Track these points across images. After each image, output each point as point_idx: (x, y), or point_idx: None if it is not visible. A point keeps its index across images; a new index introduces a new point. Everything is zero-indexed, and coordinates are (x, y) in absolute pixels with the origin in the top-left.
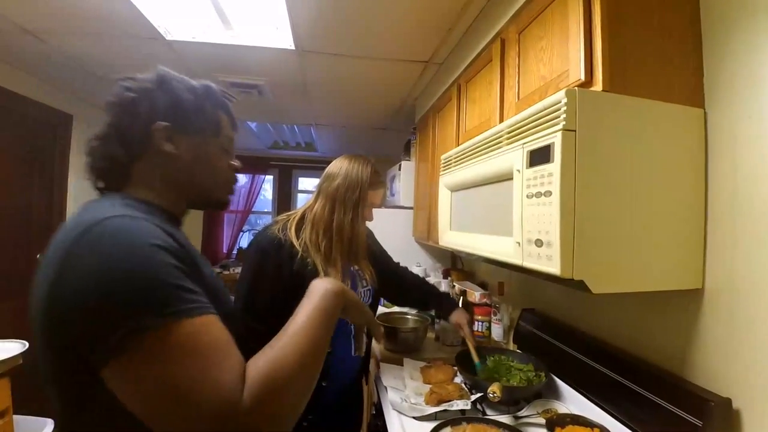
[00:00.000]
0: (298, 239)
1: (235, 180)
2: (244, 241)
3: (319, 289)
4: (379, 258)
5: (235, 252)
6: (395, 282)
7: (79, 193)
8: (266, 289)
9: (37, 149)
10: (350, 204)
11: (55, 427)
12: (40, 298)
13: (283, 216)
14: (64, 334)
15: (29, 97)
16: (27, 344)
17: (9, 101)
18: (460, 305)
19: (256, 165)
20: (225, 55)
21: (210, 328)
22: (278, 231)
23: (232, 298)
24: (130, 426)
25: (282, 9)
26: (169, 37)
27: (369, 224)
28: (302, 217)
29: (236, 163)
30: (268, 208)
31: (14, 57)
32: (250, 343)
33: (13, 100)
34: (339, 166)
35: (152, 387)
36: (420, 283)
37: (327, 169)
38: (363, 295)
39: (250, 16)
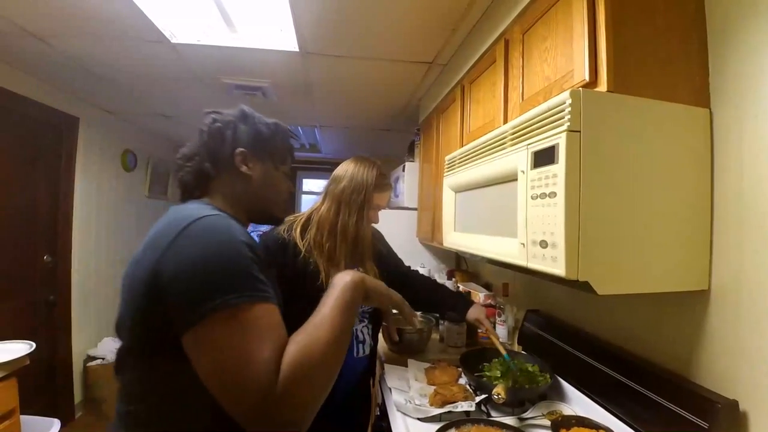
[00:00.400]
0: (302, 240)
1: (289, 198)
2: None
3: (340, 281)
4: (387, 259)
5: None
6: (405, 284)
7: (85, 194)
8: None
9: (41, 151)
10: (355, 206)
11: (61, 427)
12: (144, 270)
13: (291, 217)
14: (161, 301)
15: (32, 99)
16: (34, 345)
17: (12, 102)
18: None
19: None
20: (229, 57)
21: (272, 314)
22: (284, 231)
23: None
24: (185, 392)
25: (286, 11)
26: (173, 40)
27: (375, 225)
28: (308, 219)
29: (292, 188)
30: None
31: (17, 59)
32: None
33: (15, 101)
34: (345, 168)
35: (218, 353)
36: (432, 285)
37: (334, 172)
38: None
39: (254, 19)
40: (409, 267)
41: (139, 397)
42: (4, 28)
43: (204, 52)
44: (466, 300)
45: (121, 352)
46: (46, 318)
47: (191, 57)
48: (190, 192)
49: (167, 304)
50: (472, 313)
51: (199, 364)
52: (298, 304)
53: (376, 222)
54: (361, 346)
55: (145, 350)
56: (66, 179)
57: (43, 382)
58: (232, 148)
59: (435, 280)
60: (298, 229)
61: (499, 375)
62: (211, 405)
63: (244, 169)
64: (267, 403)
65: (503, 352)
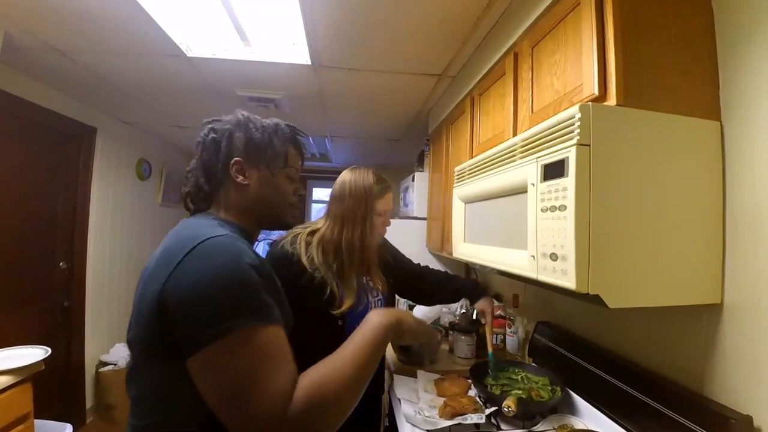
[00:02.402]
0: (306, 255)
1: (297, 206)
2: (260, 249)
3: (373, 322)
4: (396, 264)
5: None
6: (418, 285)
7: (101, 202)
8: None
9: (61, 160)
10: (358, 219)
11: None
12: (152, 291)
13: (297, 228)
14: (168, 324)
15: (54, 110)
16: (50, 350)
17: (34, 113)
18: (474, 317)
19: None
20: (243, 71)
21: (278, 337)
22: (288, 244)
23: None
24: (186, 411)
25: (299, 26)
26: (190, 54)
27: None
28: (311, 234)
29: (301, 190)
30: None
31: (41, 72)
32: None
33: (37, 112)
34: (341, 182)
35: (224, 378)
36: (444, 278)
37: (332, 190)
38: (375, 305)
39: (268, 33)
40: (419, 264)
41: (148, 412)
42: (30, 44)
43: (219, 66)
44: (481, 289)
45: (131, 367)
46: (61, 323)
47: (206, 70)
48: (196, 205)
49: (174, 328)
50: (481, 303)
51: (205, 389)
52: (302, 319)
53: (388, 225)
54: None
55: (155, 367)
56: (83, 187)
57: (56, 387)
58: (227, 159)
59: (446, 273)
60: (303, 244)
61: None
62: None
63: (240, 179)
64: (276, 428)
65: (490, 348)
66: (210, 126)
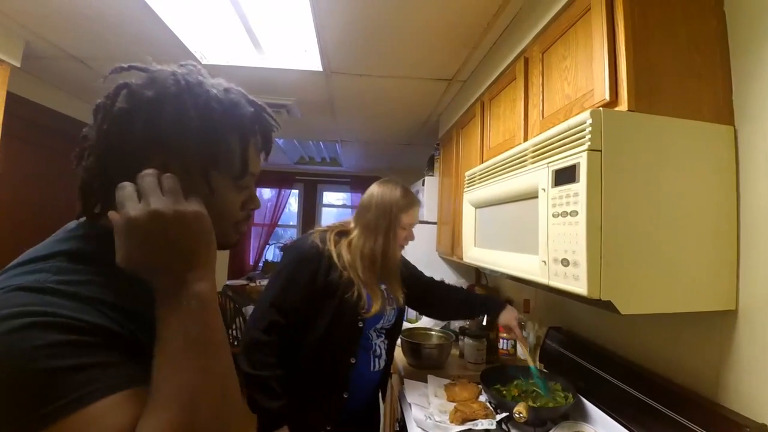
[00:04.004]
0: (336, 252)
1: (246, 220)
2: (270, 253)
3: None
4: (409, 275)
5: (261, 264)
6: (430, 299)
7: None
8: (298, 291)
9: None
10: (382, 230)
11: None
12: None
13: (321, 227)
14: None
15: (72, 117)
16: None
17: (54, 120)
18: (484, 323)
19: (282, 180)
20: (256, 77)
21: (105, 418)
22: (318, 240)
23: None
24: None
25: (311, 33)
26: (204, 61)
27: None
28: (339, 234)
29: (254, 202)
30: (293, 221)
31: (59, 79)
32: (273, 334)
33: (57, 118)
34: (370, 194)
35: None
36: (459, 293)
37: (360, 200)
38: (389, 314)
39: (281, 40)
40: (432, 278)
41: None
42: (49, 52)
43: (232, 72)
44: (497, 301)
45: None
46: None
47: (220, 77)
48: (84, 207)
49: None
50: (504, 317)
51: None
52: (326, 312)
53: (411, 239)
54: (377, 360)
55: None
56: None
57: None
58: (142, 149)
59: (458, 288)
60: (332, 242)
61: (516, 395)
62: None
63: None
64: None
65: (532, 363)
66: (123, 85)
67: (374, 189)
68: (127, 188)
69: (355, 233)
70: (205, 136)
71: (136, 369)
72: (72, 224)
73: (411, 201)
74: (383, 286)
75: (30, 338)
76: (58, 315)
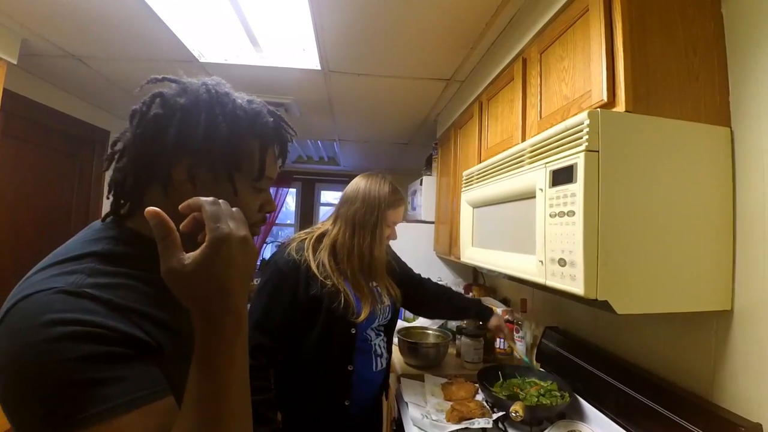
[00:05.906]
0: (315, 261)
1: (263, 222)
2: (267, 252)
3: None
4: (401, 272)
5: (258, 263)
6: (421, 296)
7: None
8: (280, 311)
9: (75, 162)
10: (369, 227)
11: None
12: None
13: (301, 234)
14: None
15: (71, 115)
16: None
17: (52, 119)
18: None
19: (280, 178)
20: (254, 76)
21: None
22: (294, 252)
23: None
24: None
25: (309, 32)
26: (202, 60)
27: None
28: (318, 239)
29: (271, 205)
30: (291, 220)
31: (57, 77)
32: (259, 357)
33: (55, 117)
34: (356, 188)
35: None
36: (447, 292)
37: (344, 192)
38: (381, 312)
39: (279, 39)
40: (419, 275)
41: None
42: (48, 50)
43: (230, 71)
44: (488, 307)
45: None
46: None
47: (218, 75)
48: (114, 206)
49: None
50: (494, 322)
51: None
52: (312, 328)
53: (394, 238)
54: (378, 359)
55: None
56: (96, 188)
57: None
58: (173, 153)
59: (449, 288)
60: (310, 251)
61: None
62: None
63: (184, 188)
64: None
65: (520, 356)
66: (158, 94)
67: (361, 182)
68: (222, 205)
69: (338, 228)
70: (231, 141)
71: (161, 378)
72: (97, 224)
73: (399, 198)
74: (373, 284)
75: (64, 349)
76: (92, 324)
